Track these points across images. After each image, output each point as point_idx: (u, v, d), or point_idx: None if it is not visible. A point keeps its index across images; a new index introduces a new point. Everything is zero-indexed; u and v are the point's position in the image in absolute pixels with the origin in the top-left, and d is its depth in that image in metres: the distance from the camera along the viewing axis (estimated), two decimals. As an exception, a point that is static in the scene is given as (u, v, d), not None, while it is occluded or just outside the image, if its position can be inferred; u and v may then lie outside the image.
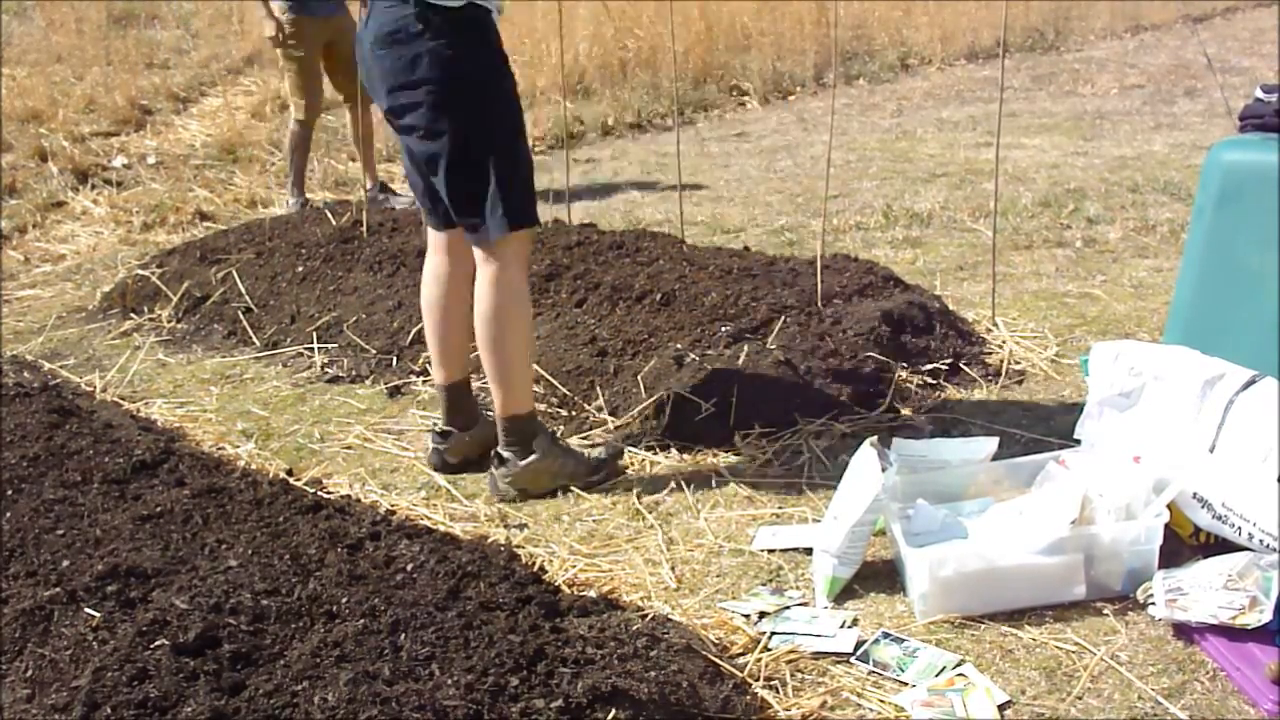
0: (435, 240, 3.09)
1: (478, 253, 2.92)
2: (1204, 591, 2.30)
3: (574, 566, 2.66)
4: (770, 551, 2.72)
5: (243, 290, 4.42)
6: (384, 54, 2.82)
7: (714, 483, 3.04)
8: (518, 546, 2.69)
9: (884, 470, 2.56)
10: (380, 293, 4.20)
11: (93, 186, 6.33)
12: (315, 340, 4.07)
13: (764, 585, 2.59)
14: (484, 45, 2.84)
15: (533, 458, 3.00)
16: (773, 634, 2.39)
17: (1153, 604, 2.33)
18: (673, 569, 2.68)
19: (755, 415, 3.25)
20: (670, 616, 2.43)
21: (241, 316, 4.31)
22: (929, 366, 3.51)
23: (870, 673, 2.27)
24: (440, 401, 3.22)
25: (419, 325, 3.96)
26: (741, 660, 2.31)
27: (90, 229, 5.79)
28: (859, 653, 2.32)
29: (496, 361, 2.94)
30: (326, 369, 3.95)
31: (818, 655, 2.33)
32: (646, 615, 2.38)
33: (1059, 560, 2.42)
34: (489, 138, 2.84)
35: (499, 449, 3.04)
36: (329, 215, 4.91)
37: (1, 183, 6.23)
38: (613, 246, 4.20)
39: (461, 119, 2.81)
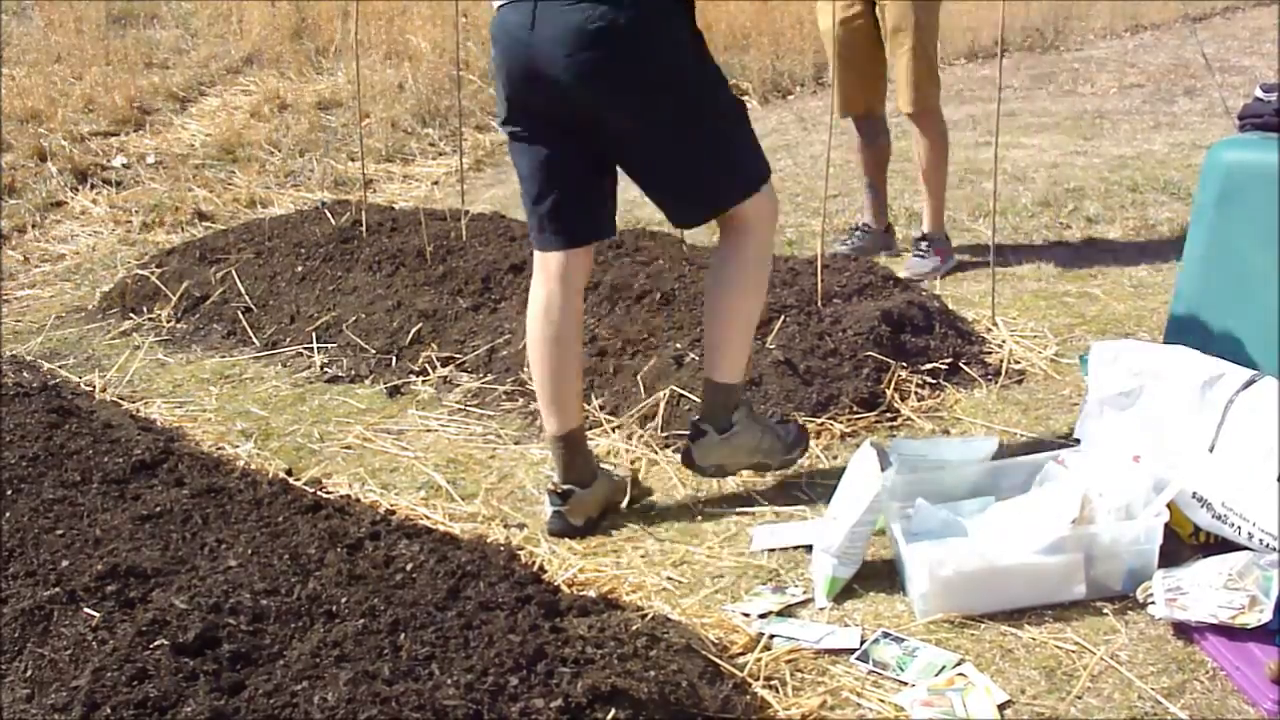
0: (551, 266, 2.79)
1: (731, 220, 2.77)
2: (1204, 591, 2.30)
3: (573, 566, 2.66)
4: (769, 551, 2.72)
5: (242, 290, 4.42)
6: (591, 55, 2.54)
7: (713, 482, 3.04)
8: (518, 546, 2.69)
9: (884, 470, 2.56)
10: (380, 292, 4.19)
11: (92, 186, 6.32)
12: (315, 340, 4.07)
13: (764, 585, 2.59)
14: (680, 15, 2.67)
15: (734, 430, 2.85)
16: (773, 635, 2.39)
17: (1153, 603, 2.33)
18: (672, 569, 2.68)
19: (755, 415, 3.25)
20: (670, 616, 2.43)
21: (241, 316, 4.30)
22: (929, 366, 3.51)
23: (870, 672, 2.27)
24: (555, 456, 2.87)
25: (418, 325, 3.97)
26: (741, 660, 2.30)
27: (89, 229, 5.79)
28: (859, 652, 2.32)
29: (727, 326, 2.81)
30: (326, 369, 3.95)
31: (819, 654, 2.33)
32: (646, 615, 2.38)
33: (1059, 560, 2.42)
34: (719, 97, 2.73)
35: (696, 420, 2.88)
36: (329, 215, 4.91)
37: (1, 182, 6.22)
38: (612, 246, 4.20)
39: (694, 91, 2.67)
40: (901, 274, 4.24)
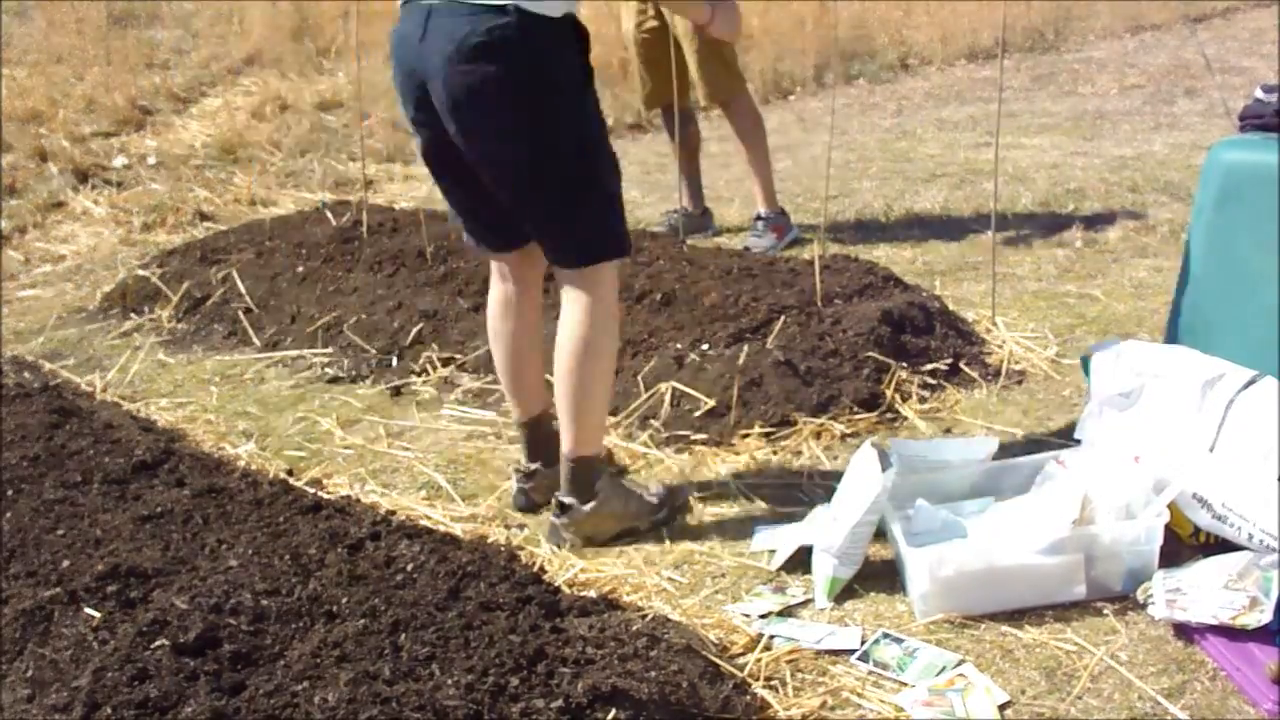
0: (497, 266, 2.87)
1: (564, 276, 2.69)
2: (1204, 591, 2.30)
3: (574, 566, 2.66)
4: (770, 551, 2.72)
5: (243, 290, 4.42)
6: (470, 69, 2.47)
7: (713, 483, 3.04)
8: (518, 547, 2.69)
9: (884, 470, 2.56)
10: (380, 293, 4.20)
11: (93, 187, 6.32)
12: (316, 340, 4.07)
13: (764, 585, 2.60)
14: (573, 50, 2.56)
15: (599, 499, 2.76)
16: (773, 635, 2.39)
17: (1153, 604, 2.33)
18: (673, 569, 2.68)
19: (755, 415, 3.25)
20: (670, 616, 2.43)
21: (242, 316, 4.31)
22: (929, 366, 3.51)
23: (870, 672, 2.27)
24: (521, 439, 3.00)
25: (419, 325, 3.97)
26: (741, 660, 2.31)
27: (90, 229, 5.79)
28: (859, 653, 2.32)
29: (579, 395, 2.69)
30: (327, 369, 3.95)
31: (820, 654, 2.33)
32: (646, 615, 2.38)
33: (1059, 560, 2.42)
34: (574, 149, 2.58)
35: (560, 495, 2.79)
36: (329, 215, 4.91)
37: (1, 183, 6.22)
38: (613, 246, 4.19)
39: (553, 131, 2.53)
40: (740, 249, 4.60)
